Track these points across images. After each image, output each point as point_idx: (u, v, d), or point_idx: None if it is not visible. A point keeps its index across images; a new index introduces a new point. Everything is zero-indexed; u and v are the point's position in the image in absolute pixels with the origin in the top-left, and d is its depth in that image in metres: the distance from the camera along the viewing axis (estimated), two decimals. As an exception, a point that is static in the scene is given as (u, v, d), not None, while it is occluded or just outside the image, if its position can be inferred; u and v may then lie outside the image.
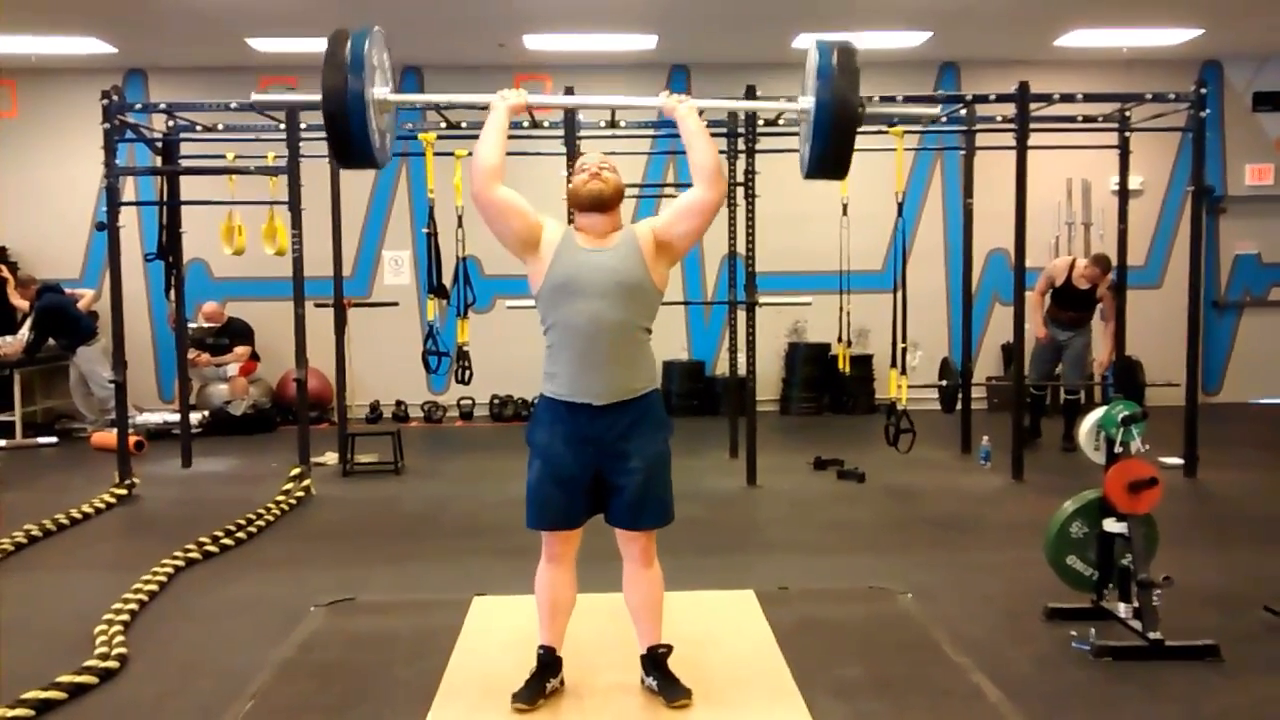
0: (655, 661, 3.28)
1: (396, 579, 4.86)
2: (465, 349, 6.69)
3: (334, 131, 3.27)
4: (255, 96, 3.54)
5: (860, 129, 3.34)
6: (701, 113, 3.32)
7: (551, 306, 3.13)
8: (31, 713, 3.29)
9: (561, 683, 3.33)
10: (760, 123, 6.90)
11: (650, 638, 3.28)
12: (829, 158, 3.33)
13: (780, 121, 7.44)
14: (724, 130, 7.59)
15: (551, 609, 3.27)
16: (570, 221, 3.29)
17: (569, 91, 6.55)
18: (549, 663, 3.29)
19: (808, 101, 3.36)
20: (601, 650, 3.65)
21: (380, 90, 3.36)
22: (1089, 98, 7.07)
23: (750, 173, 6.66)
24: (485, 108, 3.29)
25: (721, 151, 7.53)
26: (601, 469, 3.13)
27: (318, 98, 3.24)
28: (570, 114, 6.55)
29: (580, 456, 3.12)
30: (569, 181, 3.28)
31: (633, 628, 3.33)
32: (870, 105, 3.34)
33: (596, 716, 3.20)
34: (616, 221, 3.23)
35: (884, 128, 7.02)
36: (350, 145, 3.30)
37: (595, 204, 3.17)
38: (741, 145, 6.86)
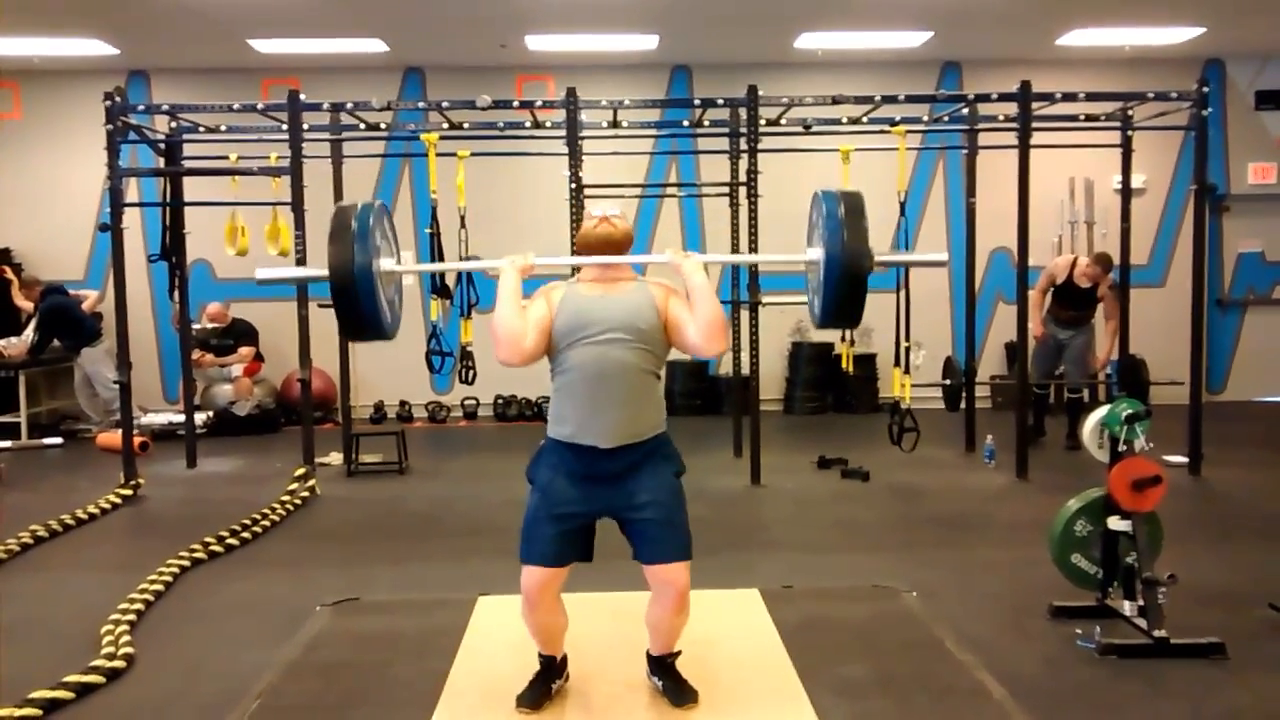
0: (663, 666, 3.27)
1: (401, 579, 4.87)
2: (469, 349, 6.70)
3: (344, 309, 3.27)
4: (260, 274, 3.57)
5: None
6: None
7: (559, 351, 3.08)
8: (39, 712, 3.30)
9: (566, 679, 3.34)
10: (762, 122, 6.90)
11: (661, 649, 3.27)
12: (841, 310, 3.30)
13: (783, 122, 7.45)
14: (726, 130, 7.60)
15: (545, 638, 3.25)
16: (574, 273, 3.26)
17: (570, 93, 6.56)
18: (551, 665, 3.29)
19: (816, 253, 3.32)
20: (605, 650, 3.66)
21: (386, 263, 3.37)
22: (1091, 96, 7.08)
23: (752, 172, 6.66)
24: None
25: (724, 151, 7.56)
26: (610, 507, 3.07)
27: (324, 273, 3.25)
28: (572, 114, 6.56)
29: (583, 492, 3.06)
30: (574, 236, 3.23)
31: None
32: (880, 255, 3.30)
33: (602, 718, 3.20)
34: (626, 271, 3.18)
35: (886, 127, 7.04)
36: (361, 321, 3.31)
37: (604, 245, 3.13)
38: (744, 145, 6.86)
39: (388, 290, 3.42)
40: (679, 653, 3.28)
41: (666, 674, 3.26)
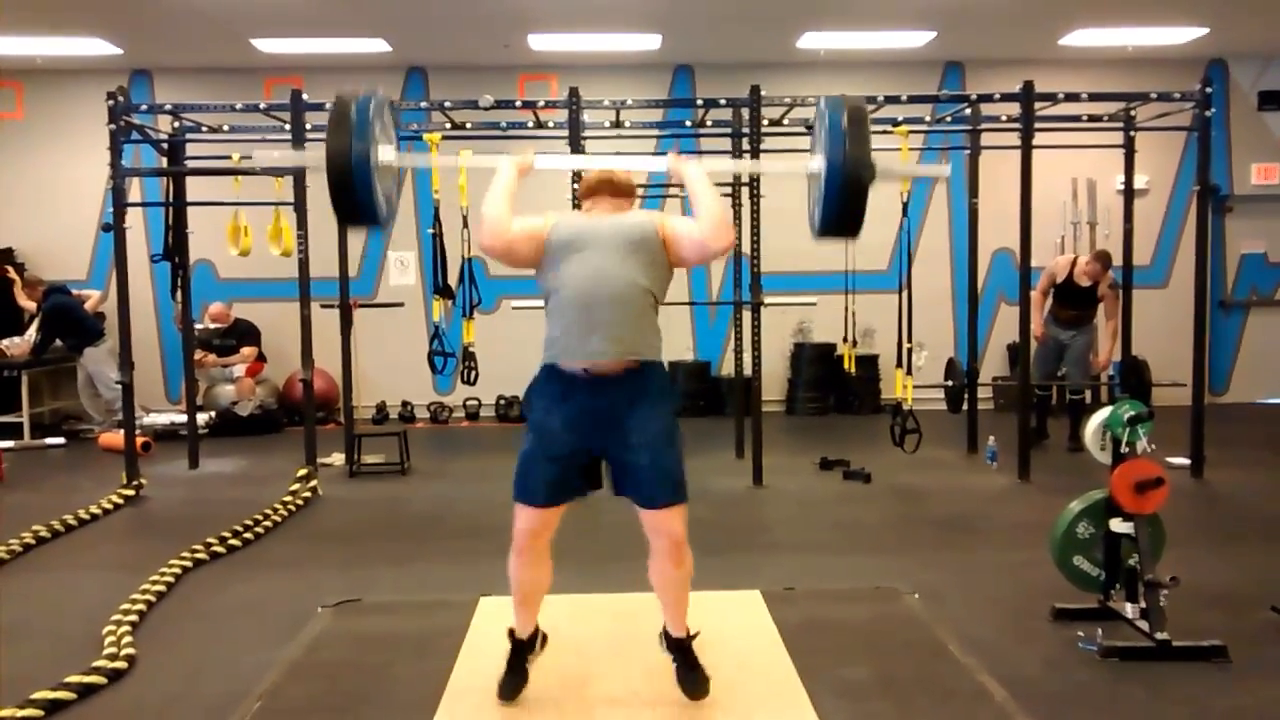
0: (680, 647, 3.20)
1: (403, 580, 4.87)
2: (471, 349, 6.69)
3: (339, 195, 3.24)
4: (258, 154, 3.52)
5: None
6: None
7: (552, 269, 3.04)
8: (40, 713, 3.30)
9: (544, 643, 3.31)
10: (765, 123, 6.90)
11: (676, 627, 3.20)
12: (840, 220, 3.27)
13: (785, 121, 7.45)
14: (729, 131, 7.60)
15: (524, 594, 3.21)
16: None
17: (574, 93, 6.56)
18: (522, 647, 3.27)
19: (817, 163, 3.30)
20: (605, 652, 3.66)
21: (385, 153, 3.36)
22: (1094, 97, 7.08)
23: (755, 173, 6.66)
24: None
25: (726, 151, 7.55)
26: (604, 446, 3.05)
27: (322, 160, 3.23)
28: (575, 114, 6.56)
29: (577, 431, 3.02)
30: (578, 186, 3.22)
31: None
32: (882, 166, 3.27)
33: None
34: (627, 204, 3.18)
35: (889, 127, 7.03)
36: (356, 209, 3.28)
37: (605, 183, 3.12)
38: (746, 145, 6.85)
39: (385, 182, 3.40)
40: (696, 634, 3.22)
41: (683, 655, 3.19)
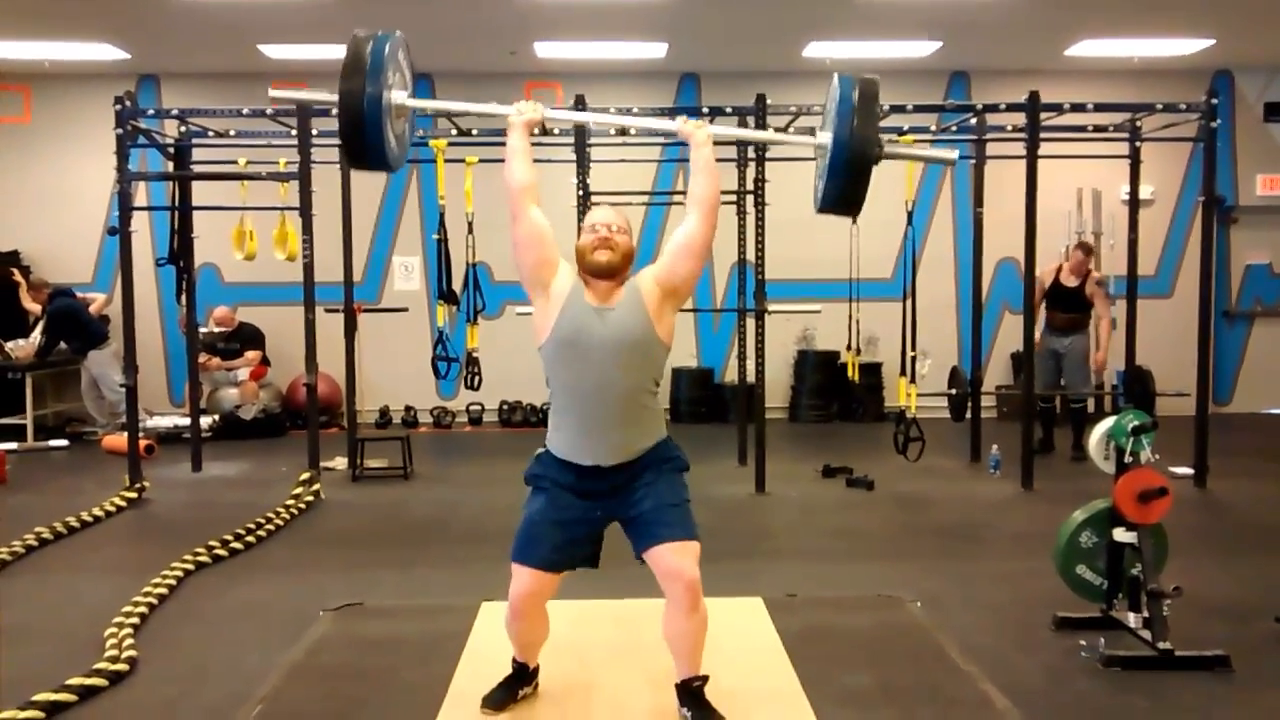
0: (689, 692, 3.12)
1: (405, 584, 4.88)
2: (474, 355, 6.71)
3: (349, 134, 3.23)
4: (273, 92, 3.51)
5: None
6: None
7: (555, 365, 3.06)
8: (42, 715, 3.30)
9: (535, 688, 3.34)
10: (770, 131, 6.90)
11: (686, 670, 3.11)
12: (843, 197, 3.25)
13: (791, 130, 7.44)
14: (735, 140, 7.59)
15: (522, 645, 3.25)
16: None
17: (579, 100, 6.57)
18: (524, 672, 3.30)
19: (825, 137, 3.28)
20: (606, 657, 3.66)
21: (398, 95, 3.35)
22: (1099, 107, 7.10)
23: (760, 180, 6.67)
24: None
25: (731, 159, 7.55)
26: (613, 510, 3.06)
27: (334, 98, 3.23)
28: (580, 122, 6.56)
29: (585, 502, 3.05)
30: (579, 235, 3.17)
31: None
32: (889, 146, 3.26)
33: (604, 722, 3.20)
34: (624, 278, 3.13)
35: (894, 136, 7.03)
36: (365, 148, 3.26)
37: (603, 273, 3.08)
38: (751, 152, 6.86)
39: (396, 124, 3.38)
40: (705, 678, 3.12)
41: (695, 703, 3.10)
